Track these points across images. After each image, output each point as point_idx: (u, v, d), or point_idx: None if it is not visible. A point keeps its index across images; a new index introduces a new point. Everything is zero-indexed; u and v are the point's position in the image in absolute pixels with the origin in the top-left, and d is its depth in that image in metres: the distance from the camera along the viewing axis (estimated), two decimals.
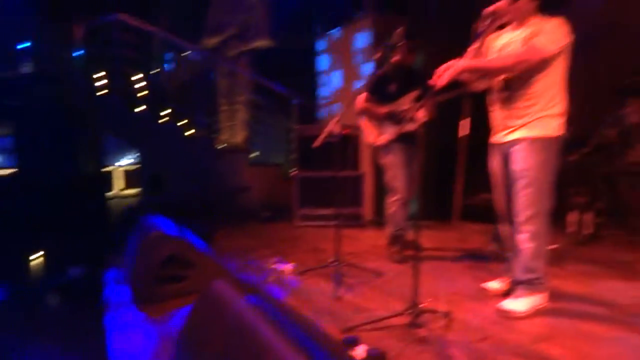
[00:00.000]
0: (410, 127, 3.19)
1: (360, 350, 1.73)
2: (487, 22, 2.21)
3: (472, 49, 2.27)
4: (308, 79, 6.36)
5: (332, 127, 2.89)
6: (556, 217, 2.75)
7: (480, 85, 2.39)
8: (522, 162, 2.19)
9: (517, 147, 2.22)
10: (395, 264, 3.22)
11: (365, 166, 5.06)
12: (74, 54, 5.64)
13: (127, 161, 8.56)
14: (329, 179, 4.67)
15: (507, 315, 2.16)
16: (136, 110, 5.87)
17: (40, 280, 3.34)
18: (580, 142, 3.80)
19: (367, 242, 4.07)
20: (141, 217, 3.20)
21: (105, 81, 5.67)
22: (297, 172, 5.16)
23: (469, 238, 4.14)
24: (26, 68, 5.45)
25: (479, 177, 2.69)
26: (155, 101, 6.19)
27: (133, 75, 6.21)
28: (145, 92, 6.27)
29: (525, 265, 2.22)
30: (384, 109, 3.31)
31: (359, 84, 3.53)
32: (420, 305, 2.05)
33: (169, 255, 2.46)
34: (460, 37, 2.36)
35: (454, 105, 3.50)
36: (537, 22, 2.16)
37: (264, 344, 1.04)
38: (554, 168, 2.20)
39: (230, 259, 3.33)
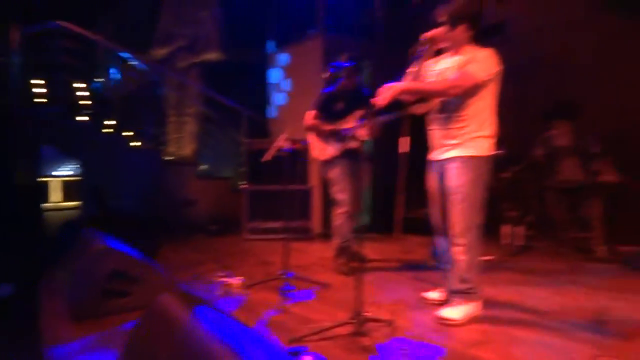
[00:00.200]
0: (352, 144, 3.33)
1: None
2: (425, 47, 2.39)
3: (410, 71, 2.44)
4: (259, 93, 6.40)
5: (282, 141, 2.96)
6: (491, 230, 2.96)
7: (420, 109, 2.55)
8: (456, 178, 2.35)
9: (452, 165, 2.37)
10: (342, 276, 3.30)
11: (314, 180, 5.15)
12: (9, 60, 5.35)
13: (65, 171, 8.16)
14: (278, 193, 4.71)
15: (445, 323, 2.30)
16: (78, 119, 5.65)
17: None
18: (512, 161, 4.12)
19: (315, 254, 4.13)
20: (82, 231, 3.08)
21: (44, 90, 5.43)
22: (246, 185, 5.16)
23: (411, 250, 4.32)
24: None
25: (420, 192, 2.84)
26: (99, 111, 5.98)
27: (75, 84, 5.98)
28: (88, 101, 6.05)
29: (460, 276, 2.38)
30: (329, 127, 3.45)
31: (308, 101, 3.63)
32: (364, 315, 2.14)
33: (113, 269, 2.39)
34: (405, 59, 2.50)
35: (396, 124, 3.70)
36: (471, 51, 2.34)
37: (212, 357, 1.06)
38: (485, 185, 2.36)
39: (177, 273, 3.28)
